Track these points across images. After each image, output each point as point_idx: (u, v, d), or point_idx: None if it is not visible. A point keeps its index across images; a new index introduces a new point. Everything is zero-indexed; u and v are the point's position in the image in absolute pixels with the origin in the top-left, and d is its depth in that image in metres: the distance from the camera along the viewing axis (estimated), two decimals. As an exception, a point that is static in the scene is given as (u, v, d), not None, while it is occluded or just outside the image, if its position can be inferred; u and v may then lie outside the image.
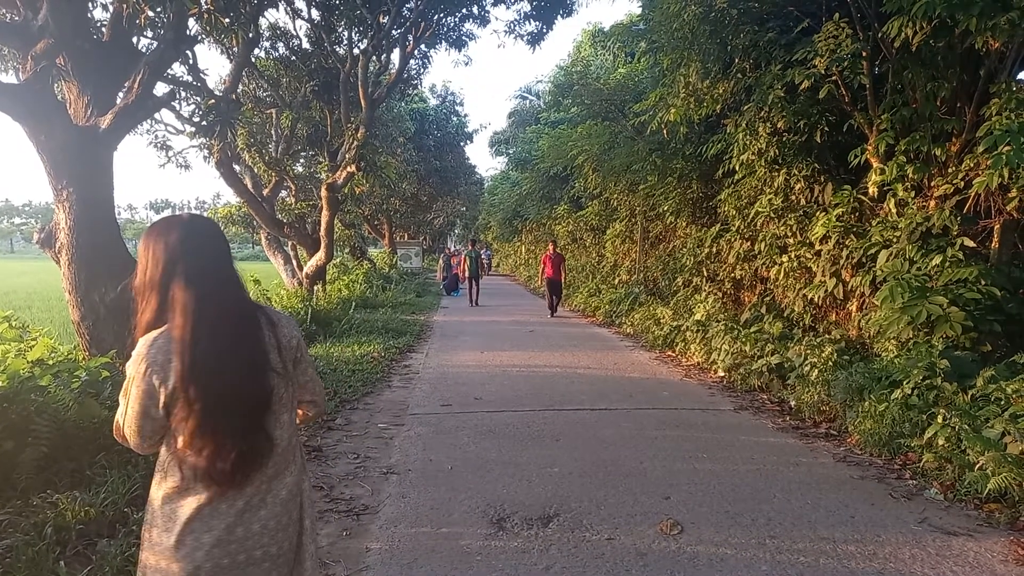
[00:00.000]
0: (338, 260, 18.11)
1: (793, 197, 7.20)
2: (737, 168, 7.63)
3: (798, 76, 5.84)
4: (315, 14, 11.70)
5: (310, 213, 15.49)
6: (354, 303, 11.69)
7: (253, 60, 11.75)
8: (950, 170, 5.35)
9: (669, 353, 8.39)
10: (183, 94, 11.86)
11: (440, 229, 41.66)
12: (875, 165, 5.90)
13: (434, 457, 4.23)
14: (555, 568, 2.78)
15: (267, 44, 12.69)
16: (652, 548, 2.96)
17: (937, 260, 5.01)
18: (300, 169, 17.85)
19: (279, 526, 1.44)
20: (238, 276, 1.47)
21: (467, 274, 15.57)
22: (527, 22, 11.62)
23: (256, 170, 13.66)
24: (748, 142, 7.27)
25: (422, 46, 12.53)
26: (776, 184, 7.26)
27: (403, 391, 6.20)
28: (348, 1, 10.65)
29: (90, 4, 7.05)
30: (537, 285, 19.50)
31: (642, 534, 3.10)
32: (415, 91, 20.65)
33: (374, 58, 11.97)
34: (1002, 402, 3.80)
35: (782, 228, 7.23)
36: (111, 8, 6.07)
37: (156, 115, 12.20)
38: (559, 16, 11.60)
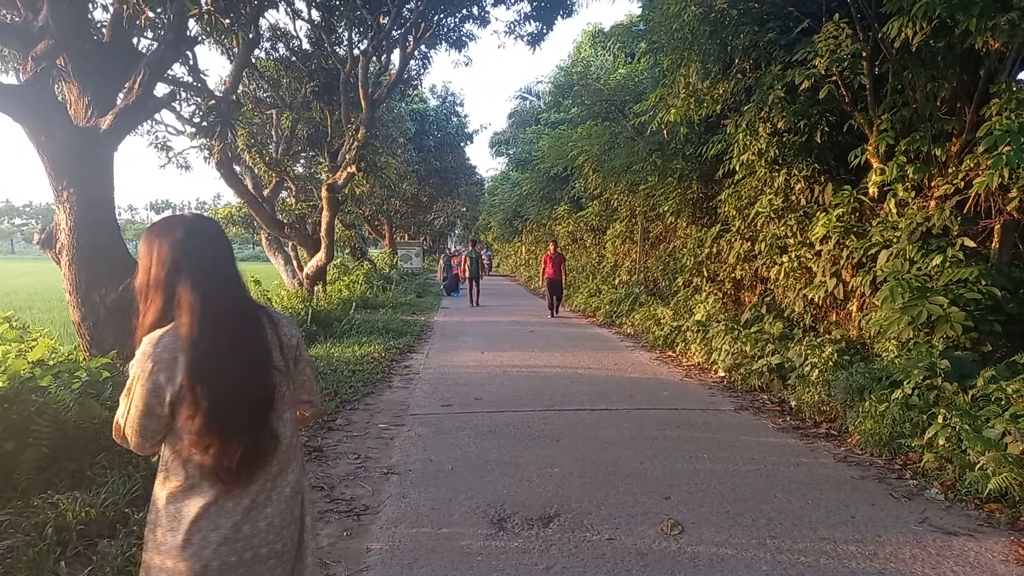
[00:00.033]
0: (338, 261, 18.11)
1: (793, 197, 7.20)
2: (737, 168, 7.63)
3: (798, 76, 5.84)
4: (315, 15, 11.71)
5: (310, 214, 15.49)
6: (354, 303, 11.69)
7: (253, 61, 11.75)
8: (950, 170, 5.35)
9: (669, 353, 8.39)
10: (183, 95, 11.86)
11: (440, 230, 41.68)
12: (875, 165, 5.91)
13: (435, 457, 4.23)
14: (556, 568, 2.78)
15: (267, 45, 12.70)
16: (653, 548, 2.96)
17: (937, 260, 5.01)
18: (300, 170, 17.86)
19: (284, 523, 1.45)
20: (240, 276, 1.48)
21: (467, 274, 15.58)
22: (527, 23, 11.64)
23: (256, 171, 13.66)
24: (748, 142, 7.27)
25: (422, 47, 12.54)
26: (776, 184, 7.27)
27: (403, 391, 6.20)
28: (348, 2, 10.66)
29: (90, 5, 7.06)
30: (537, 285, 19.50)
31: (643, 534, 3.10)
32: (415, 92, 20.68)
33: (374, 59, 11.98)
34: (1002, 402, 3.80)
35: (782, 228, 7.23)
36: (111, 9, 6.08)
37: (156, 116, 12.19)
38: (559, 17, 11.61)
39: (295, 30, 12.71)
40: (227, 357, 1.35)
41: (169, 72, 8.72)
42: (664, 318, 9.32)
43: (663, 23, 7.40)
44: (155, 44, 7.44)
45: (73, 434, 3.35)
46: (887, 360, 5.03)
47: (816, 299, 6.54)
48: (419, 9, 10.98)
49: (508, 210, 26.39)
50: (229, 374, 1.35)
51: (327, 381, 6.11)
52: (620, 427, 4.94)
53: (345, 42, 11.98)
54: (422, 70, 14.93)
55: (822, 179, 6.86)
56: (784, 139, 6.93)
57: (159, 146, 13.43)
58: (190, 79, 10.83)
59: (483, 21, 12.06)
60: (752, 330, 6.88)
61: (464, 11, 11.79)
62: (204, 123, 8.24)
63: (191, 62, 10.55)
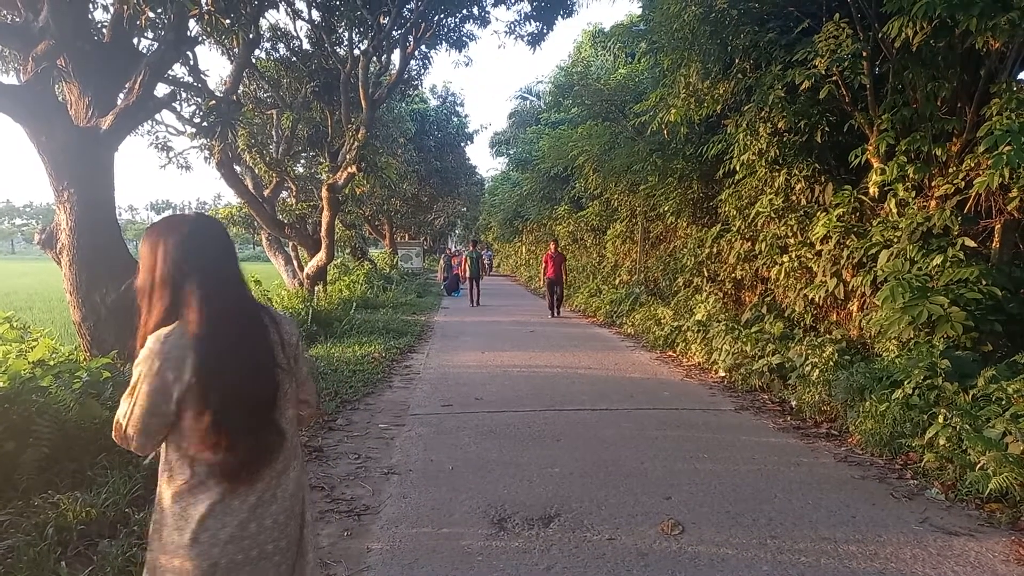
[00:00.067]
0: (339, 261, 18.12)
1: (794, 197, 7.20)
2: (737, 168, 7.63)
3: (798, 76, 5.84)
4: (315, 15, 11.70)
5: (311, 214, 15.49)
6: (355, 304, 11.68)
7: (254, 61, 11.76)
8: (951, 170, 5.35)
9: (670, 353, 8.38)
10: (184, 95, 11.85)
11: (441, 230, 41.69)
12: (876, 165, 5.91)
13: (435, 457, 4.23)
14: (556, 568, 2.78)
15: (268, 45, 12.69)
16: (653, 548, 2.96)
17: (938, 260, 5.01)
18: (301, 170, 17.86)
19: (287, 520, 1.46)
20: (243, 275, 1.49)
21: (468, 274, 15.60)
22: (527, 23, 11.64)
23: (257, 171, 13.67)
24: (748, 142, 7.27)
25: (422, 47, 12.54)
26: (777, 184, 7.27)
27: (404, 391, 6.20)
28: (348, 2, 10.65)
29: (91, 5, 7.06)
30: (538, 285, 19.49)
31: (643, 534, 3.10)
32: (416, 92, 20.65)
33: (374, 59, 11.98)
34: (1003, 402, 3.79)
35: (783, 228, 7.23)
36: (112, 9, 6.08)
37: (157, 116, 12.19)
38: (559, 17, 11.61)
39: (295, 30, 12.74)
40: (233, 355, 1.37)
41: (169, 72, 8.72)
42: (664, 318, 9.32)
43: (663, 23, 7.40)
44: (155, 44, 7.44)
45: (74, 434, 3.36)
46: (888, 360, 5.03)
47: (816, 299, 6.54)
48: (419, 9, 10.98)
49: (508, 210, 26.38)
50: (235, 372, 1.36)
51: (328, 381, 6.11)
52: (620, 427, 4.94)
53: (345, 42, 11.98)
54: (422, 70, 14.94)
55: (822, 179, 6.86)
56: (784, 139, 6.93)
57: (159, 146, 13.43)
58: (190, 79, 10.83)
59: (483, 21, 12.07)
60: (752, 330, 6.88)
61: (464, 11, 11.79)
62: (204, 123, 8.25)
63: (191, 62, 10.54)
